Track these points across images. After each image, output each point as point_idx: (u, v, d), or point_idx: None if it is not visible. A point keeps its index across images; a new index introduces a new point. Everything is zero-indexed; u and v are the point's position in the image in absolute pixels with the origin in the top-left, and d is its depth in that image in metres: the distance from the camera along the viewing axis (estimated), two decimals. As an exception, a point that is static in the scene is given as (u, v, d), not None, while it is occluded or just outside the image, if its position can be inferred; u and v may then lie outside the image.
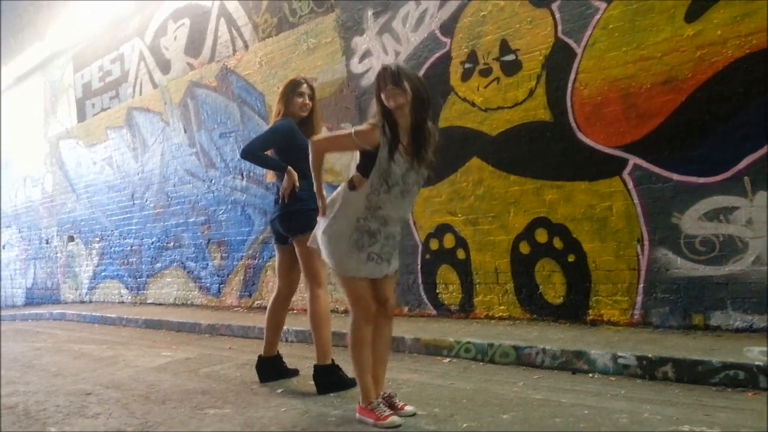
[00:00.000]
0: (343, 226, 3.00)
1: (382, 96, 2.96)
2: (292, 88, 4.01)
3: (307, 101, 4.01)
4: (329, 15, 6.79)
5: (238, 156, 7.89)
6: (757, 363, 3.29)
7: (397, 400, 3.15)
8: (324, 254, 3.12)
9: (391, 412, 3.03)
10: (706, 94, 4.23)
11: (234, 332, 6.48)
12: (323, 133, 4.09)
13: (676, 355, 3.56)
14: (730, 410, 2.95)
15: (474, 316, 5.54)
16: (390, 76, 2.92)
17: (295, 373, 4.24)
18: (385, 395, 3.15)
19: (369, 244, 3.00)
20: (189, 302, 9.02)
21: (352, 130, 3.00)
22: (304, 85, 4.02)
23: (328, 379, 3.77)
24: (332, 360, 3.84)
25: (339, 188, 3.12)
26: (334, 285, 6.84)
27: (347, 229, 3.00)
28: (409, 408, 3.13)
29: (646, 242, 4.52)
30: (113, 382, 4.50)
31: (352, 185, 3.01)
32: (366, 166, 2.98)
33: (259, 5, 7.66)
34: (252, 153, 3.98)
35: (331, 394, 3.70)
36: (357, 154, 3.07)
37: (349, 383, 3.65)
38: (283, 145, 3.95)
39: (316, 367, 3.82)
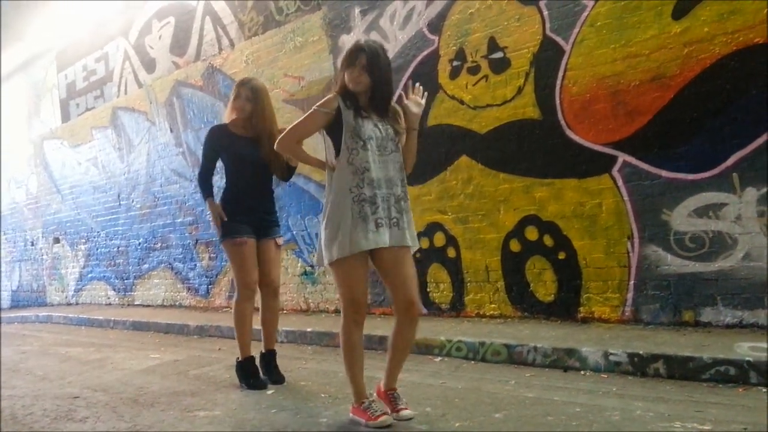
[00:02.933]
0: (342, 204, 2.92)
1: (346, 74, 2.97)
2: (233, 92, 4.09)
3: (243, 102, 4.00)
4: (316, 13, 6.76)
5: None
6: (747, 358, 3.30)
7: (401, 403, 3.08)
8: (324, 254, 2.99)
9: (383, 412, 2.99)
10: (694, 90, 4.24)
11: (223, 333, 6.42)
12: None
13: (667, 352, 3.57)
14: (721, 406, 2.96)
15: (465, 314, 5.53)
16: (364, 63, 2.92)
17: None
18: (392, 394, 3.10)
19: (372, 212, 2.89)
20: (177, 303, 8.95)
21: (314, 107, 3.01)
22: (241, 87, 4.05)
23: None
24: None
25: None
26: (324, 285, 6.82)
27: (346, 205, 2.91)
28: (406, 412, 3.04)
29: (636, 239, 4.53)
30: (101, 385, 4.45)
31: (332, 167, 3.01)
32: (336, 142, 2.99)
33: (245, 3, 7.61)
34: (201, 176, 4.15)
35: (322, 395, 3.68)
36: (329, 144, 3.05)
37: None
38: (217, 152, 4.13)
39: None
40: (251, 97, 4.01)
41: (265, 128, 4.02)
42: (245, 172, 4.05)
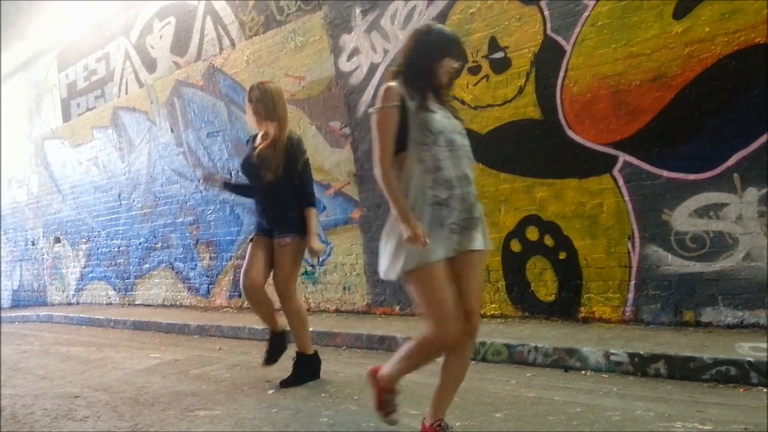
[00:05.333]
0: (417, 208, 2.49)
1: (439, 65, 2.60)
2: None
3: (254, 105, 4.02)
4: (317, 13, 6.75)
5: (226, 155, 7.92)
6: (748, 359, 3.30)
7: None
8: (398, 263, 2.51)
9: (395, 410, 2.78)
10: (695, 90, 4.24)
11: (224, 333, 6.43)
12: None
13: (668, 352, 3.57)
14: (722, 406, 2.96)
15: (465, 314, 5.51)
16: (462, 57, 2.73)
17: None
18: (440, 424, 2.66)
19: (447, 216, 2.49)
20: (178, 303, 8.95)
21: (378, 106, 2.56)
22: (251, 91, 4.07)
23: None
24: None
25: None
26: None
27: (421, 209, 2.49)
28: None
29: (636, 239, 4.53)
30: (101, 385, 4.45)
31: (399, 166, 2.55)
32: (400, 139, 2.55)
33: (246, 3, 7.60)
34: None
35: (323, 394, 3.68)
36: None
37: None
38: None
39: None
40: (260, 97, 4.01)
41: (275, 129, 4.02)
42: (255, 180, 4.12)
